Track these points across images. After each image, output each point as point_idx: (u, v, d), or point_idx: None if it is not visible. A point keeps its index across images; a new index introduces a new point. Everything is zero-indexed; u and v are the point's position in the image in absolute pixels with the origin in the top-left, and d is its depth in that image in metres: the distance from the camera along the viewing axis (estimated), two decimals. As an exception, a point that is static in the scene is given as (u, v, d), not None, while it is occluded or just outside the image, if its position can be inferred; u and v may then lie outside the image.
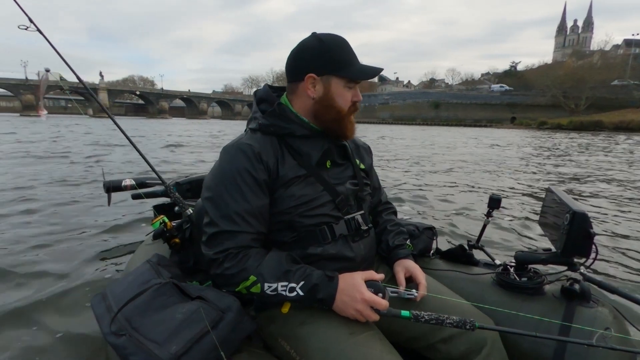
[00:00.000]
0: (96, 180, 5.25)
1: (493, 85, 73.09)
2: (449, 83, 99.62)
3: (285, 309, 0.93)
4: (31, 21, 1.47)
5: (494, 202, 1.39)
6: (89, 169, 6.46)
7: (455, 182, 5.97)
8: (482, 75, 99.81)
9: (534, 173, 7.36)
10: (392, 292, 0.94)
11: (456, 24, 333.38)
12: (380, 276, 0.93)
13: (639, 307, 1.13)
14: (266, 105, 1.04)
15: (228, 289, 0.92)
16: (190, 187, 1.77)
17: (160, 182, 1.71)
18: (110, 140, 12.55)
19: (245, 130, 1.06)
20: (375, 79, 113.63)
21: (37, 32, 1.52)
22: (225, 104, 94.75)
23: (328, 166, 1.03)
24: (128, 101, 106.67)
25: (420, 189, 5.24)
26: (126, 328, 0.81)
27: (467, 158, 10.06)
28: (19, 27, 1.46)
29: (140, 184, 1.73)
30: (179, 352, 0.74)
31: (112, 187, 1.70)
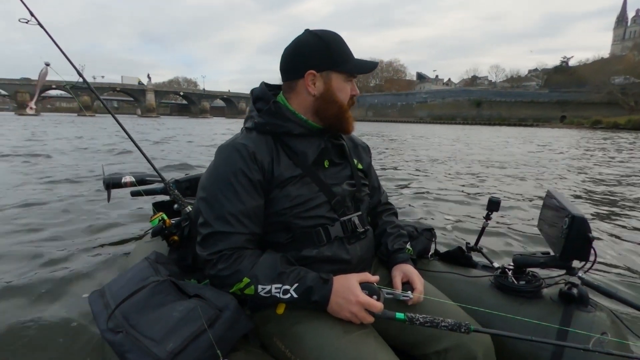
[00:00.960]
0: (96, 176, 5.26)
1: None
2: (492, 80, 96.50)
3: (280, 310, 0.93)
4: (32, 14, 1.47)
5: (493, 205, 1.39)
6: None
7: (476, 188, 5.42)
8: (530, 71, 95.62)
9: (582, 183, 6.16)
10: (387, 293, 0.94)
11: (502, 19, 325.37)
12: (375, 278, 0.93)
13: (637, 312, 1.12)
14: (262, 103, 1.02)
15: (223, 289, 0.91)
16: (190, 185, 1.77)
17: (159, 179, 1.71)
18: (151, 137, 13.85)
19: (242, 129, 1.05)
20: (414, 77, 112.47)
21: (38, 26, 1.51)
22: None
23: (326, 166, 1.02)
24: (173, 101, 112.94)
25: (439, 195, 4.78)
26: (123, 325, 0.81)
27: (505, 159, 9.40)
28: (19, 21, 1.45)
29: (140, 181, 1.73)
30: (175, 350, 0.74)
31: (112, 184, 1.70)
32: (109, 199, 1.76)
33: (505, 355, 1.00)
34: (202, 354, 0.76)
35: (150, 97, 76.80)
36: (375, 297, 0.88)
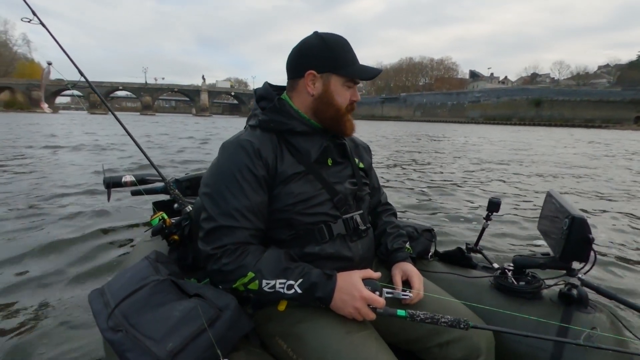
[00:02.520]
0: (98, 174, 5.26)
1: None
2: (555, 78, 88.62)
3: (282, 306, 0.93)
4: (34, 14, 1.47)
5: (493, 206, 1.39)
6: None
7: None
8: (599, 67, 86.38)
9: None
10: (387, 292, 0.95)
11: (570, 11, 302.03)
12: (377, 275, 0.93)
13: (637, 313, 1.13)
14: (266, 102, 1.04)
15: (225, 286, 0.91)
16: (190, 185, 1.77)
17: (160, 178, 1.71)
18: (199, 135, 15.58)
19: (245, 127, 1.06)
20: (466, 75, 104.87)
21: (40, 25, 1.52)
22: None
23: (329, 164, 1.03)
24: (225, 101, 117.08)
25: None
26: (123, 324, 0.81)
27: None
28: (22, 20, 1.46)
29: (140, 180, 1.73)
30: (175, 350, 0.74)
31: (112, 183, 1.70)
32: (109, 198, 1.76)
33: (505, 356, 1.00)
34: (202, 354, 0.76)
35: (204, 97, 79.27)
36: (377, 293, 0.89)
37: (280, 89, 1.09)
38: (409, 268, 1.07)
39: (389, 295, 0.95)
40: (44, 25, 1.53)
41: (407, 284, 1.04)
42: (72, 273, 2.17)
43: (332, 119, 1.01)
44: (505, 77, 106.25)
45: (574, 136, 24.25)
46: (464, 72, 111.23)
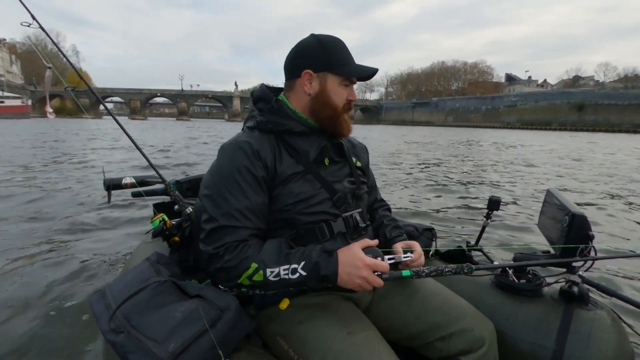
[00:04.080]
0: (99, 173, 5.27)
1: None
2: (600, 80, 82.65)
3: (284, 305, 0.94)
4: (34, 18, 1.48)
5: (493, 204, 1.40)
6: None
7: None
8: None
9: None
10: (389, 258, 0.95)
11: (618, 10, 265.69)
12: (374, 242, 0.94)
13: (637, 310, 1.13)
14: (263, 104, 1.04)
15: (229, 283, 0.91)
16: (190, 186, 1.77)
17: (160, 180, 1.71)
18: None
19: (243, 129, 1.06)
20: (502, 79, 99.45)
21: (40, 29, 1.53)
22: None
23: (326, 163, 1.04)
24: None
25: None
26: (125, 326, 0.81)
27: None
28: (21, 24, 1.47)
29: (141, 182, 1.73)
30: (177, 351, 0.74)
31: (113, 185, 1.70)
32: (109, 200, 1.76)
33: (507, 353, 1.00)
34: (204, 355, 0.76)
35: (237, 103, 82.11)
36: (379, 258, 0.89)
37: (277, 90, 1.10)
38: (408, 241, 1.09)
39: (391, 261, 0.96)
40: (43, 30, 1.54)
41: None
42: (73, 275, 2.18)
43: (329, 119, 1.01)
44: (545, 80, 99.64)
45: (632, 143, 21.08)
46: (499, 75, 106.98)
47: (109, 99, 77.78)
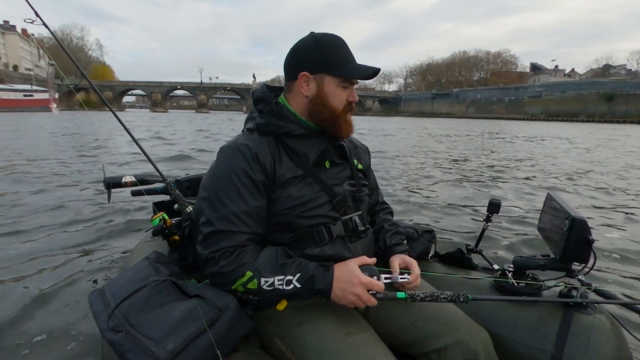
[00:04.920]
0: (98, 173, 5.26)
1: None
2: (632, 69, 77.08)
3: (282, 306, 0.94)
4: (37, 15, 1.48)
5: (494, 207, 1.40)
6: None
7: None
8: None
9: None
10: (385, 277, 0.95)
11: None
12: (372, 260, 0.94)
13: (636, 314, 1.12)
14: (263, 105, 1.03)
15: (224, 288, 0.91)
16: (190, 185, 1.77)
17: (160, 179, 1.71)
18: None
19: (243, 130, 1.06)
20: (527, 69, 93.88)
21: (43, 26, 1.53)
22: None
23: (327, 166, 1.03)
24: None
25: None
26: (123, 325, 0.81)
27: None
28: (25, 21, 1.48)
29: (141, 180, 1.73)
30: (175, 350, 0.74)
31: (113, 184, 1.70)
32: (109, 198, 1.76)
33: (505, 357, 1.00)
34: (202, 355, 0.76)
35: None
36: (375, 278, 0.89)
37: (277, 90, 1.09)
38: (407, 257, 1.07)
39: (387, 281, 0.95)
40: (46, 27, 1.55)
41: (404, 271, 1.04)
42: (72, 273, 2.17)
43: (328, 121, 1.00)
44: (572, 70, 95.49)
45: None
46: (523, 65, 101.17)
47: (130, 92, 79.60)
